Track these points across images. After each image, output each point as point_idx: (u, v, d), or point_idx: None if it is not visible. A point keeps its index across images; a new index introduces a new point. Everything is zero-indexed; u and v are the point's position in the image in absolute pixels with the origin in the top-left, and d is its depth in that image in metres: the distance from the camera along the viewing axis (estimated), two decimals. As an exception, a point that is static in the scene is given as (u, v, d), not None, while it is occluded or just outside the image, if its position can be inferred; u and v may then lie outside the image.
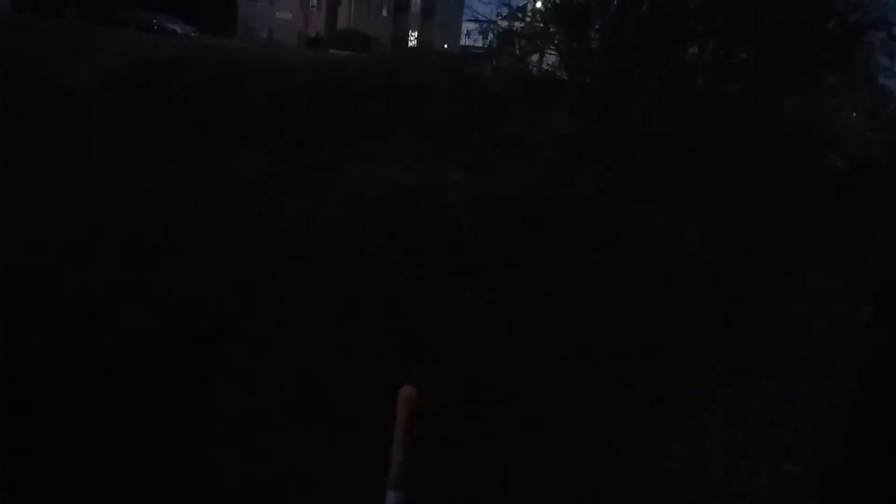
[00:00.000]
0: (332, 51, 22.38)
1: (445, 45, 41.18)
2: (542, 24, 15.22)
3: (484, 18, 16.05)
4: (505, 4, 15.56)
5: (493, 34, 15.39)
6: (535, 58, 15.43)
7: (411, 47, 35.07)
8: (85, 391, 3.50)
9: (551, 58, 15.65)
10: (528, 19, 15.54)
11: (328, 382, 4.01)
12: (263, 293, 4.41)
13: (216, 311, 4.01)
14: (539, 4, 15.76)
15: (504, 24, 15.54)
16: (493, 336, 5.43)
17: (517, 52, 14.96)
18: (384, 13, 41.87)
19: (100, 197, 4.54)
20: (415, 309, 5.06)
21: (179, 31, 22.34)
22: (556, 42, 14.62)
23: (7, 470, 3.16)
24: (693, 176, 10.05)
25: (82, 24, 17.21)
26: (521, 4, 15.36)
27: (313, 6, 35.32)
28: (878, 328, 3.70)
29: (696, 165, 10.54)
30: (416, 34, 44.51)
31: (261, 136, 6.46)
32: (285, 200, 5.49)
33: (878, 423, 3.52)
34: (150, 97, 6.77)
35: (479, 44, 16.57)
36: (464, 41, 29.00)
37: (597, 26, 14.26)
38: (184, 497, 3.38)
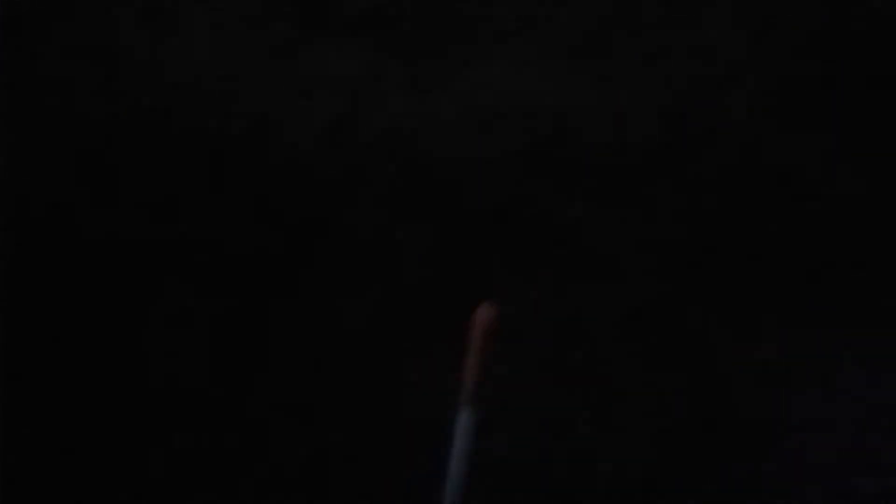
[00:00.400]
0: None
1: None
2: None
3: None
4: None
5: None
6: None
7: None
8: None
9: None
10: None
11: (418, 291, 3.89)
12: (351, 201, 4.29)
13: (291, 222, 3.93)
14: None
15: None
16: (613, 256, 5.13)
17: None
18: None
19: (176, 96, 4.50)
20: (528, 225, 4.83)
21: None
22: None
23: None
24: (863, 104, 8.96)
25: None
26: None
27: None
28: None
29: (869, 91, 9.40)
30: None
31: (376, 31, 6.25)
32: (390, 102, 5.28)
33: None
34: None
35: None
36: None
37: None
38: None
